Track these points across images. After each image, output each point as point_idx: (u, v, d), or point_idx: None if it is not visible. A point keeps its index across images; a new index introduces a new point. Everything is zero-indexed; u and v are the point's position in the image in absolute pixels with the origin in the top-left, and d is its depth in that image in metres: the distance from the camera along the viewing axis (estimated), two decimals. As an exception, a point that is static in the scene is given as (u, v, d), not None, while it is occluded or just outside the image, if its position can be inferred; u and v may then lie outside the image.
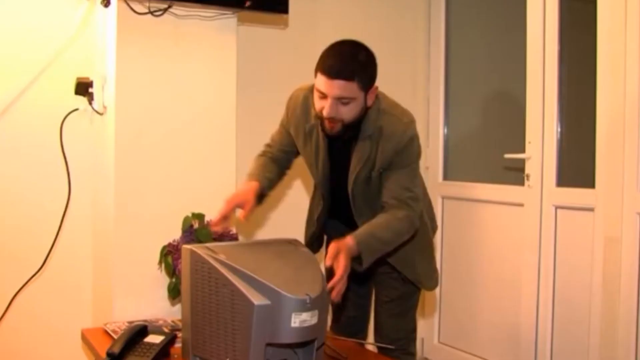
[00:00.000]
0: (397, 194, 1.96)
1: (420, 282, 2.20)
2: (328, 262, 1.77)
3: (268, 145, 2.25)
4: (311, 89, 2.00)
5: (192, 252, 1.79)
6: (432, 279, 2.24)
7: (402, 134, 1.96)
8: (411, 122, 2.01)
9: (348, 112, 1.87)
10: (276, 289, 1.64)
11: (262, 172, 2.15)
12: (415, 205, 1.99)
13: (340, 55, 1.86)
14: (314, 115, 1.98)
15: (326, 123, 1.90)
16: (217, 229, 2.17)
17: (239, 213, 2.00)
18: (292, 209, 2.80)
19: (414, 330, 2.26)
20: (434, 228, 2.30)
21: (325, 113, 1.86)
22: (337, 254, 1.79)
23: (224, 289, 1.69)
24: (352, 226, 2.01)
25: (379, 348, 2.22)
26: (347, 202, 2.06)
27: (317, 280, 1.75)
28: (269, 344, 1.67)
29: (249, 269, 1.69)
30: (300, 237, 2.12)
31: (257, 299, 1.63)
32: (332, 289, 1.75)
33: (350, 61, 1.84)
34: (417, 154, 2.04)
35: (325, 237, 2.29)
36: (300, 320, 1.66)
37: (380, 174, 1.99)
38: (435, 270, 2.26)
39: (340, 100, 1.85)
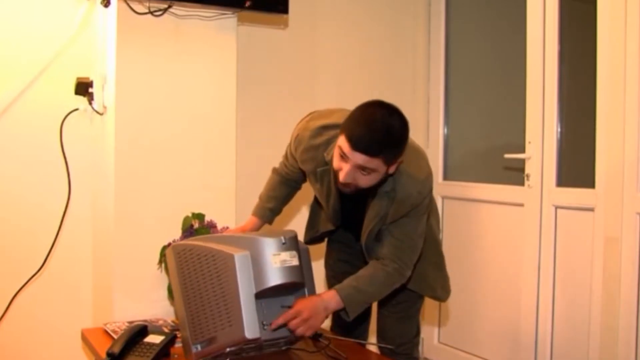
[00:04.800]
0: (398, 240, 1.90)
1: (437, 296, 2.20)
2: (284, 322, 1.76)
3: (285, 157, 2.16)
4: (319, 131, 1.94)
5: (174, 247, 1.86)
6: (445, 289, 2.21)
7: (417, 195, 1.86)
8: (426, 178, 1.90)
9: (365, 181, 1.74)
10: (251, 236, 1.75)
11: (266, 204, 2.18)
12: (412, 255, 1.94)
13: (371, 127, 1.67)
14: (327, 161, 1.89)
15: (340, 183, 1.78)
16: None
17: None
18: (287, 210, 2.79)
19: (417, 334, 2.24)
20: (439, 230, 2.25)
21: (340, 178, 1.73)
22: (299, 317, 1.76)
23: (206, 259, 1.76)
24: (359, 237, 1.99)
25: (380, 350, 2.21)
26: (357, 225, 1.98)
27: (290, 231, 1.83)
28: (258, 294, 1.70)
29: (225, 238, 1.83)
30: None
31: (235, 251, 1.70)
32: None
33: (380, 137, 1.66)
34: (428, 205, 1.95)
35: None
36: (280, 260, 1.72)
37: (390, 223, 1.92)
38: (447, 278, 2.22)
39: (360, 170, 1.71)
